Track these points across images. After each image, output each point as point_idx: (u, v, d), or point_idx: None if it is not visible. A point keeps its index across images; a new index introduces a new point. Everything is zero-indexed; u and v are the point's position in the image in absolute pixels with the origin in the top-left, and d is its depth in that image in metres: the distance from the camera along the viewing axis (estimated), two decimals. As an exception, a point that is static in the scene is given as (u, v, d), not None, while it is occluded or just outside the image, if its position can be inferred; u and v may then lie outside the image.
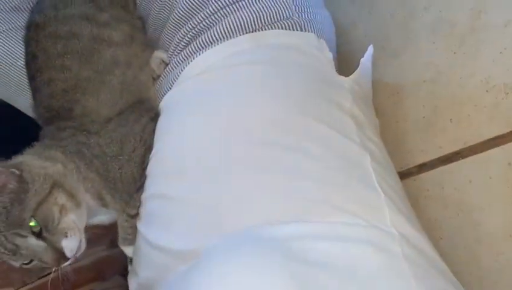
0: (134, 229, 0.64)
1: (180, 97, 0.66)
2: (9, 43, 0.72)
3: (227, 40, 0.65)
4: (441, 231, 0.65)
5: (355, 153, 0.55)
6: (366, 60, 0.66)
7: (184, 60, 0.68)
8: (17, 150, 0.61)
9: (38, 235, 0.54)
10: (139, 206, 0.63)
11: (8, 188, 0.54)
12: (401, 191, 0.56)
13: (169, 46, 0.71)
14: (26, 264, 0.56)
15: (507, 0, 0.55)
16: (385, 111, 0.72)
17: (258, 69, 0.62)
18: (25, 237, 0.53)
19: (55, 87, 0.64)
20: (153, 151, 0.64)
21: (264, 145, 0.55)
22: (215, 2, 0.66)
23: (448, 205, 0.64)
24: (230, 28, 0.65)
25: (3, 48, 0.72)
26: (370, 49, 0.67)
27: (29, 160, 0.58)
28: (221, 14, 0.66)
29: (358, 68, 0.65)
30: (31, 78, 0.69)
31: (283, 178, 0.52)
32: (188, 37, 0.68)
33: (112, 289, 0.85)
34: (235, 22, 0.65)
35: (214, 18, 0.66)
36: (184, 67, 0.67)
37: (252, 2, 0.66)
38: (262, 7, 0.65)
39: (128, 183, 0.62)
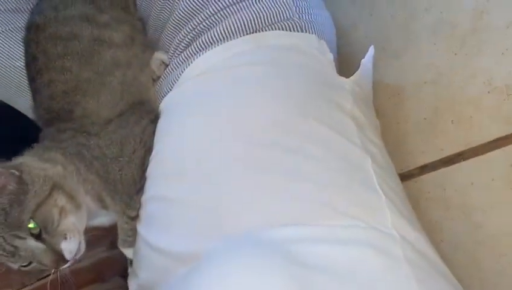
0: (134, 231, 0.64)
1: (180, 98, 0.66)
2: (9, 44, 0.72)
3: (228, 41, 0.65)
4: (442, 233, 0.65)
5: (356, 155, 0.55)
6: (366, 61, 0.66)
7: (184, 61, 0.68)
8: (17, 151, 0.61)
9: (38, 237, 0.54)
10: (139, 208, 0.63)
11: (7, 189, 0.54)
12: (402, 193, 0.56)
13: (170, 47, 0.71)
14: (24, 266, 0.55)
15: (509, 1, 0.55)
16: (386, 112, 0.72)
17: (258, 70, 0.62)
18: (24, 238, 0.53)
19: (55, 88, 0.64)
20: (153, 152, 0.64)
21: (265, 146, 0.54)
22: (215, 3, 0.66)
23: (450, 207, 0.64)
24: (231, 29, 0.65)
25: (3, 49, 0.72)
26: (371, 50, 0.67)
27: (29, 161, 0.58)
28: (221, 15, 0.66)
29: (359, 69, 0.65)
30: (31, 79, 0.69)
31: (283, 179, 0.52)
32: (188, 38, 0.68)
33: (112, 290, 0.85)
34: (235, 23, 0.65)
35: (214, 19, 0.66)
36: (184, 69, 0.66)
37: (252, 3, 0.65)
38: (263, 8, 0.65)
39: (128, 185, 0.62)
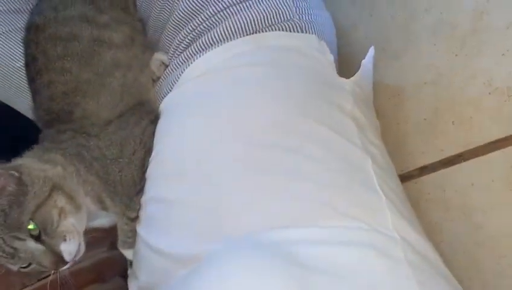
0: (134, 233, 0.64)
1: (180, 99, 0.66)
2: (9, 45, 0.72)
3: (228, 42, 0.65)
4: (441, 234, 0.65)
5: (356, 156, 0.54)
6: (367, 62, 0.66)
7: (184, 61, 0.67)
8: (17, 152, 0.61)
9: (37, 238, 0.54)
10: (138, 209, 0.63)
11: (7, 191, 0.54)
12: (402, 194, 0.56)
13: (170, 48, 0.71)
14: (24, 268, 0.55)
15: (509, 2, 0.55)
16: (386, 113, 0.72)
17: (258, 70, 0.62)
18: (24, 240, 0.53)
19: (55, 89, 0.64)
20: (153, 153, 0.64)
21: (265, 147, 0.54)
22: (215, 4, 0.66)
23: (450, 208, 0.64)
24: (231, 29, 0.65)
25: (2, 50, 0.71)
26: (371, 51, 0.67)
27: (29, 162, 0.58)
28: (222, 16, 0.66)
29: (359, 70, 0.65)
30: (31, 80, 0.68)
31: (283, 180, 0.52)
32: (188, 39, 0.68)
33: (112, 291, 0.85)
34: (236, 23, 0.65)
35: (214, 20, 0.66)
36: (184, 69, 0.66)
37: (252, 3, 0.65)
38: (263, 9, 0.65)
39: (128, 186, 0.62)
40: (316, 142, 0.54)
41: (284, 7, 0.66)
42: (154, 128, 0.66)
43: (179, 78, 0.67)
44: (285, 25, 0.65)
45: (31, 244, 0.54)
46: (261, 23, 0.65)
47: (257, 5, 0.65)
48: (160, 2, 0.71)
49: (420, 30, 0.66)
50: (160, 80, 0.72)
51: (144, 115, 0.67)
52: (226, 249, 0.47)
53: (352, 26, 0.80)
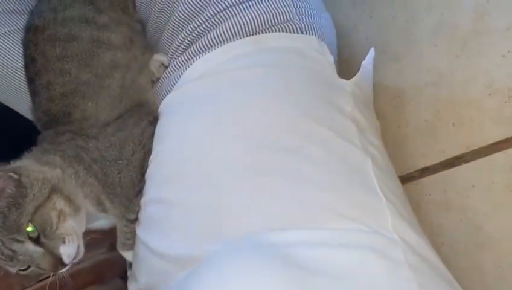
0: (134, 234, 0.63)
1: (180, 100, 0.66)
2: (8, 46, 0.71)
3: (228, 43, 0.65)
4: (442, 235, 0.64)
5: (356, 157, 0.54)
6: (367, 63, 0.66)
7: (184, 63, 0.67)
8: (16, 153, 0.60)
9: (36, 240, 0.54)
10: (138, 211, 0.63)
11: (5, 193, 0.53)
12: (402, 196, 0.56)
13: (169, 48, 0.71)
14: (23, 270, 0.55)
15: (509, 3, 0.55)
16: (386, 115, 0.71)
17: (258, 72, 0.62)
18: (22, 242, 0.53)
19: (54, 91, 0.64)
20: (153, 154, 0.64)
21: (265, 148, 0.54)
22: (215, 5, 0.66)
23: (451, 209, 0.64)
24: (231, 30, 0.65)
25: (2, 51, 0.71)
26: (371, 52, 0.66)
27: (28, 164, 0.58)
28: (222, 17, 0.66)
29: (359, 71, 0.65)
30: (30, 81, 0.68)
31: (284, 181, 0.51)
32: (188, 40, 0.68)
33: (111, 292, 0.85)
34: (236, 24, 0.65)
35: (214, 21, 0.66)
36: (184, 70, 0.66)
37: (252, 5, 0.65)
38: (263, 10, 0.65)
39: (127, 188, 0.62)
40: (316, 143, 0.54)
41: (284, 8, 0.66)
42: (154, 129, 0.66)
43: (178, 79, 0.67)
44: (285, 26, 0.65)
45: (30, 246, 0.53)
46: (261, 24, 0.64)
47: (257, 6, 0.65)
48: (160, 3, 0.71)
49: (421, 31, 0.66)
50: (160, 81, 0.72)
51: (143, 116, 0.67)
52: (225, 251, 0.47)
53: (352, 27, 0.80)
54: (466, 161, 0.61)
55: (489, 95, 0.57)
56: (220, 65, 0.63)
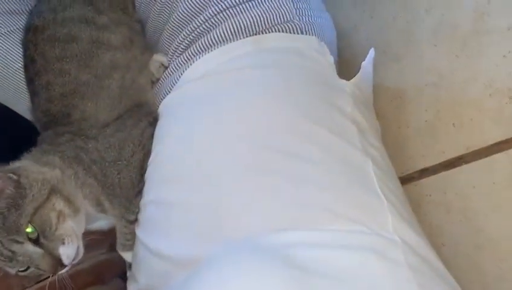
0: (133, 235, 0.63)
1: (180, 100, 0.66)
2: (8, 46, 0.71)
3: (228, 43, 0.64)
4: (442, 237, 0.64)
5: (356, 158, 0.54)
6: (367, 64, 0.66)
7: (184, 63, 0.67)
8: (16, 154, 0.60)
9: (35, 241, 0.53)
10: (137, 212, 0.63)
11: (5, 193, 0.53)
12: (402, 197, 0.56)
13: (169, 49, 0.71)
14: (22, 271, 0.55)
15: (510, 3, 0.54)
16: (386, 115, 0.71)
17: (258, 72, 0.62)
18: (22, 243, 0.53)
19: (54, 91, 0.64)
20: (152, 154, 0.64)
21: (265, 148, 0.54)
22: (215, 5, 0.66)
23: (451, 210, 0.64)
24: (231, 31, 0.64)
25: (1, 51, 0.71)
26: (371, 53, 0.66)
27: (27, 165, 0.58)
28: (221, 17, 0.66)
29: (359, 72, 0.65)
30: (29, 81, 0.68)
31: (284, 181, 0.51)
32: (188, 40, 0.68)
33: (111, 293, 0.85)
34: (236, 25, 0.64)
35: (213, 21, 0.66)
36: (184, 71, 0.66)
37: (252, 5, 0.65)
38: (263, 10, 0.65)
39: (126, 189, 0.62)
40: (316, 144, 0.54)
41: (284, 9, 0.66)
42: (153, 130, 0.66)
43: (178, 79, 0.66)
44: (285, 27, 0.65)
45: (29, 247, 0.53)
46: (261, 24, 0.64)
47: (257, 7, 0.65)
48: (159, 2, 0.71)
49: (421, 31, 0.66)
50: (160, 81, 0.72)
51: (143, 117, 0.67)
52: (225, 252, 0.47)
53: (352, 28, 0.80)
54: (466, 162, 0.61)
55: (490, 95, 0.57)
56: (220, 65, 0.63)
